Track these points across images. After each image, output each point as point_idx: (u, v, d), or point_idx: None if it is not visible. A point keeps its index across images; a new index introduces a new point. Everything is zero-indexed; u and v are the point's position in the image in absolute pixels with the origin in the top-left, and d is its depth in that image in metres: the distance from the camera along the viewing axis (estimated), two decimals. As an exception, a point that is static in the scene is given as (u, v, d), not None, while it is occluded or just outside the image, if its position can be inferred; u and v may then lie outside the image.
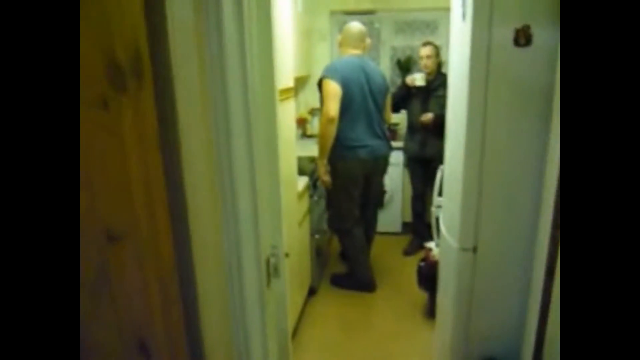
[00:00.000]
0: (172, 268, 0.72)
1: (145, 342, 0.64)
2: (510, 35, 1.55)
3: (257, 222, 1.00)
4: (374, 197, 3.24)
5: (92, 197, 0.54)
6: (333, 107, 2.76)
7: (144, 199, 0.63)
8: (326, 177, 2.99)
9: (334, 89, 2.77)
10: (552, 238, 1.41)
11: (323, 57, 4.41)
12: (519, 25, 1.54)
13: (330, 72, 2.83)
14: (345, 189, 3.02)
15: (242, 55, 0.91)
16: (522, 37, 1.55)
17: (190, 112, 0.77)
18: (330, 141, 2.85)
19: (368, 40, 3.06)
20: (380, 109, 3.02)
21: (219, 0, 0.80)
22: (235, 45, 0.88)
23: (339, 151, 2.91)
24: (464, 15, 1.68)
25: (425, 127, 3.38)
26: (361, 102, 2.88)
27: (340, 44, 3.05)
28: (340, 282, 3.31)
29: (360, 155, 2.93)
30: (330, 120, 2.78)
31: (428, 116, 3.34)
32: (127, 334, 0.59)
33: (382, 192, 3.36)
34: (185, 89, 0.74)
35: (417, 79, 3.33)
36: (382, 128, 3.05)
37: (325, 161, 2.96)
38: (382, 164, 3.12)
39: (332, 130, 2.81)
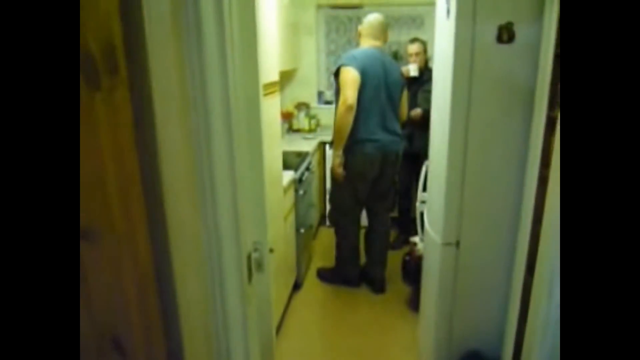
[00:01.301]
0: (149, 266, 0.71)
1: (121, 340, 0.63)
2: (493, 33, 1.56)
3: (237, 218, 1.00)
4: (379, 196, 3.09)
5: (64, 196, 0.53)
6: (352, 95, 2.68)
7: (119, 197, 0.62)
8: (340, 169, 2.88)
9: (353, 76, 2.70)
10: (532, 234, 1.42)
11: (309, 51, 4.39)
12: (502, 22, 1.55)
13: (349, 60, 2.76)
14: (351, 184, 2.94)
15: (222, 49, 0.90)
16: (505, 34, 1.56)
17: (167, 108, 0.76)
18: (347, 130, 2.75)
19: (388, 33, 2.99)
20: (394, 104, 2.92)
21: (197, -6, 0.79)
22: (215, 39, 0.86)
23: (348, 144, 2.83)
24: (448, 12, 1.69)
25: (412, 121, 3.38)
26: (375, 95, 2.79)
27: (360, 35, 2.94)
28: (326, 276, 3.32)
29: (367, 150, 2.84)
30: (349, 108, 2.68)
31: (417, 112, 3.33)
32: (101, 333, 0.58)
33: (391, 191, 3.17)
34: (162, 84, 0.73)
35: (411, 69, 3.34)
36: (394, 124, 2.94)
37: (340, 152, 2.84)
38: (392, 160, 2.97)
39: (350, 119, 2.71)
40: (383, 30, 2.91)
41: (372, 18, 2.90)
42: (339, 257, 3.22)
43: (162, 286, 0.77)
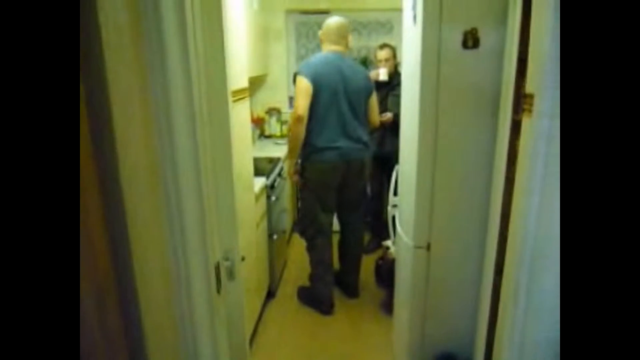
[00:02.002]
0: (108, 278, 0.68)
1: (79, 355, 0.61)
2: (458, 38, 1.59)
3: (204, 228, 0.97)
4: (349, 205, 3.03)
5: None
6: (302, 105, 2.60)
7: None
8: (295, 177, 2.87)
9: (304, 86, 2.61)
10: (500, 236, 1.45)
11: (280, 56, 4.38)
12: (467, 28, 1.58)
13: (303, 68, 2.67)
14: (314, 193, 2.86)
15: (186, 57, 0.87)
16: (470, 40, 1.58)
17: (128, 121, 0.74)
18: (299, 140, 2.68)
19: (350, 37, 2.83)
20: (357, 111, 2.78)
21: (156, 1, 0.77)
22: (178, 48, 0.84)
23: (307, 153, 2.77)
24: (414, 19, 1.71)
25: (383, 126, 3.41)
26: (332, 102, 2.68)
27: (321, 40, 2.81)
28: (303, 296, 3.18)
29: (327, 158, 2.73)
30: (298, 118, 2.61)
31: (388, 116, 3.35)
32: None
33: (362, 201, 3.11)
34: (121, 97, 0.71)
35: (381, 73, 3.36)
36: (358, 131, 2.78)
37: (294, 161, 2.82)
38: (356, 167, 2.84)
39: (301, 129, 2.64)
40: (342, 35, 2.76)
41: (332, 21, 2.77)
42: (311, 275, 3.09)
43: (124, 300, 0.74)
